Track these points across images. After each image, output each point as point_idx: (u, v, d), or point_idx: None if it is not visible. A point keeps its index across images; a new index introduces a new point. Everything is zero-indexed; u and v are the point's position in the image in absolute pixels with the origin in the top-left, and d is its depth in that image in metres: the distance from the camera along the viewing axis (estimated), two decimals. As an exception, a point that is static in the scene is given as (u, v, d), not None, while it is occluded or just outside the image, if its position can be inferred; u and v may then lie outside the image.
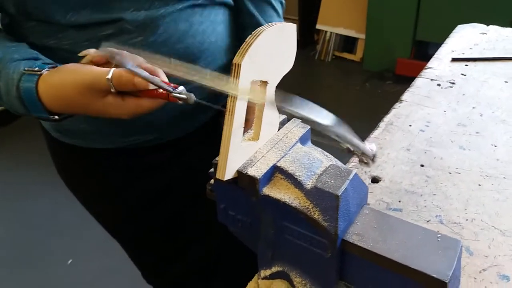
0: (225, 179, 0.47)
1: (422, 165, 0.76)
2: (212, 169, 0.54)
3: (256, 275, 0.60)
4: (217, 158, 0.50)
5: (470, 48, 1.13)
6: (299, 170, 0.49)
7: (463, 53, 1.11)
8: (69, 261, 1.87)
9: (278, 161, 0.50)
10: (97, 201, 0.86)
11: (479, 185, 0.71)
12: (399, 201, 0.69)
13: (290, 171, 0.49)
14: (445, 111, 0.90)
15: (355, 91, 2.98)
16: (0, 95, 0.61)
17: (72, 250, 1.92)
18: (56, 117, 0.60)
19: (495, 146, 0.79)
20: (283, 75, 0.52)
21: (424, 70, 1.06)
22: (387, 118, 0.89)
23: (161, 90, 0.55)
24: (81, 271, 1.83)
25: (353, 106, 2.78)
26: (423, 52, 3.00)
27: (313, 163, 0.51)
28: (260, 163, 0.49)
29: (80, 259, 1.88)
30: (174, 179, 0.83)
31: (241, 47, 0.44)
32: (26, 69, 0.58)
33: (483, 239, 0.62)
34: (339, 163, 0.54)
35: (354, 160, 0.78)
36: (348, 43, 3.29)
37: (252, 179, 0.48)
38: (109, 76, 0.54)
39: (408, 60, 2.86)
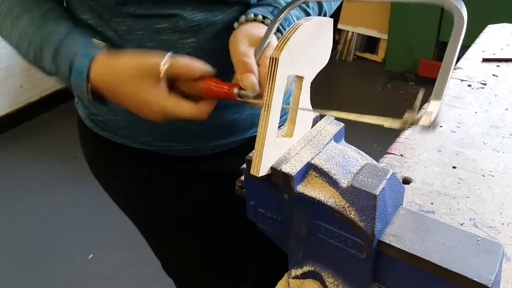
0: (259, 175, 0.46)
1: (454, 167, 0.74)
2: (244, 165, 0.53)
3: (286, 274, 0.59)
4: (250, 154, 0.50)
5: (502, 49, 1.10)
6: (334, 168, 0.48)
7: (494, 54, 1.08)
8: (90, 256, 1.89)
9: (312, 159, 0.49)
10: (124, 195, 0.86)
11: (514, 188, 0.69)
12: (431, 203, 0.68)
13: (325, 169, 0.48)
14: (476, 112, 0.88)
15: (376, 92, 2.95)
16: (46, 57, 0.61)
17: (93, 245, 1.94)
18: (90, 88, 0.60)
19: (530, 148, 0.77)
20: (319, 70, 0.51)
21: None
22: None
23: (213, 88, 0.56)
24: (102, 265, 1.85)
25: (375, 107, 2.74)
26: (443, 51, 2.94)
27: (348, 162, 0.50)
28: (294, 160, 0.48)
29: (100, 254, 1.90)
30: (209, 187, 0.83)
31: (279, 41, 0.43)
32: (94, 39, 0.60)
33: (520, 244, 0.60)
34: (374, 162, 0.53)
35: (386, 159, 0.76)
36: (369, 43, 3.26)
37: (286, 176, 0.47)
38: (164, 60, 0.55)
39: (431, 61, 2.81)
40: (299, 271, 0.55)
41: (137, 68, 0.57)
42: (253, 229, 0.63)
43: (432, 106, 0.39)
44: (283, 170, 0.47)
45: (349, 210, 0.46)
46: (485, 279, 0.42)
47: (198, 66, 0.58)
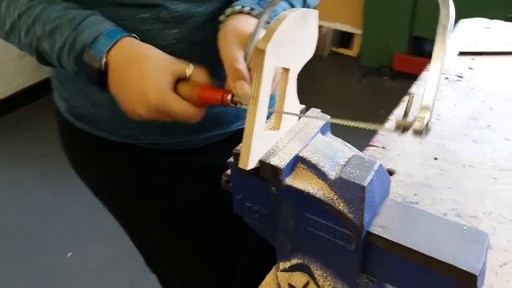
0: (248, 169, 0.45)
1: (436, 158, 0.75)
2: (231, 159, 0.52)
3: (274, 267, 0.58)
4: (238, 148, 0.49)
5: (475, 42, 1.12)
6: (322, 160, 0.48)
7: (468, 47, 1.10)
8: (69, 254, 1.85)
9: (300, 151, 0.48)
10: (106, 190, 0.84)
11: (494, 178, 0.71)
12: (415, 194, 0.68)
13: (313, 162, 0.48)
14: (455, 104, 0.89)
15: (352, 87, 2.97)
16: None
17: (72, 243, 1.90)
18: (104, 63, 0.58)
19: (507, 139, 0.78)
20: (305, 63, 0.50)
21: (430, 63, 1.05)
22: (396, 111, 0.88)
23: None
24: (81, 264, 1.81)
25: (351, 102, 2.77)
26: (420, 48, 3.00)
27: (335, 154, 0.50)
28: (282, 153, 0.48)
29: (79, 252, 1.86)
30: (194, 181, 0.82)
31: (265, 33, 0.43)
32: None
33: (502, 233, 0.61)
34: (361, 154, 0.53)
35: (368, 151, 0.77)
36: (344, 38, 3.28)
37: (275, 168, 0.46)
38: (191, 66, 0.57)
39: (405, 56, 2.85)
40: (287, 264, 0.55)
41: (166, 60, 0.58)
42: (240, 224, 0.62)
43: (424, 112, 0.39)
44: (272, 163, 0.46)
45: (338, 202, 0.46)
46: (473, 268, 0.43)
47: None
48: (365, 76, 3.01)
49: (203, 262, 0.85)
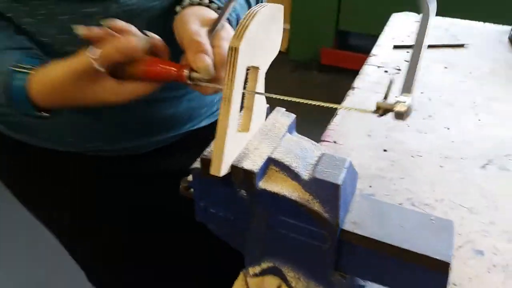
0: (221, 175, 0.43)
1: (385, 150, 0.78)
2: (195, 165, 0.50)
3: (241, 273, 0.57)
4: (206, 153, 0.47)
5: (408, 36, 1.18)
6: (295, 161, 0.47)
7: (403, 41, 1.15)
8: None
9: (272, 153, 0.47)
10: (42, 206, 0.77)
11: (441, 166, 0.74)
12: (370, 186, 0.70)
13: (286, 163, 0.46)
14: (396, 96, 0.92)
15: (283, 81, 3.01)
16: None
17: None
18: (45, 114, 0.53)
19: (448, 128, 0.83)
20: (271, 60, 0.49)
21: (369, 58, 1.08)
22: (344, 105, 0.90)
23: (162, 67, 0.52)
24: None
25: (283, 95, 2.80)
26: (345, 42, 3.11)
27: (305, 153, 0.49)
28: (254, 156, 0.46)
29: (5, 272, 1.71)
30: (145, 189, 0.77)
31: (236, 29, 0.41)
32: (16, 65, 0.52)
33: (454, 218, 0.64)
34: (328, 151, 0.52)
35: (322, 146, 0.77)
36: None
37: (248, 173, 0.45)
38: (91, 53, 0.49)
39: (332, 50, 2.94)
40: (257, 269, 0.54)
41: (72, 72, 0.51)
42: (200, 230, 0.60)
43: (405, 96, 0.40)
44: (245, 167, 0.45)
45: (313, 202, 0.46)
46: (445, 256, 0.44)
47: (132, 45, 0.51)
48: (295, 70, 3.07)
49: (162, 274, 0.81)
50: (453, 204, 0.67)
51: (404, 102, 0.39)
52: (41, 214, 0.80)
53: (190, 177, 0.55)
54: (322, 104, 0.44)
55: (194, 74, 0.50)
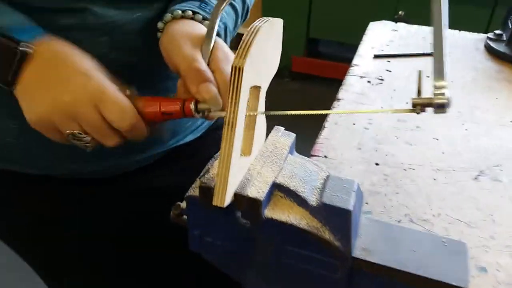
0: (225, 206, 0.39)
1: (377, 164, 0.75)
2: (191, 192, 0.46)
3: (242, 305, 0.53)
4: (205, 181, 0.43)
5: (387, 45, 1.17)
6: (300, 185, 0.44)
7: (382, 50, 1.14)
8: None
9: (276, 178, 0.44)
10: (15, 239, 0.70)
11: (434, 179, 0.73)
12: (366, 203, 0.67)
13: (291, 188, 0.43)
14: (382, 107, 0.91)
15: (255, 89, 3.00)
16: None
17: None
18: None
19: (437, 139, 0.82)
20: (271, 78, 0.46)
21: (350, 68, 1.07)
22: (330, 118, 0.87)
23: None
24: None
25: (255, 104, 2.78)
26: (315, 49, 3.12)
27: (310, 176, 0.46)
28: (257, 182, 0.43)
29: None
30: (128, 212, 0.72)
31: (239, 47, 0.37)
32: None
33: (454, 234, 0.63)
34: (330, 172, 0.50)
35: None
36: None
37: (253, 201, 0.41)
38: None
39: (303, 58, 2.94)
40: (260, 301, 0.50)
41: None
42: (190, 258, 0.56)
43: (440, 87, 0.37)
44: (250, 195, 0.41)
45: (323, 230, 0.43)
46: (462, 281, 0.42)
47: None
48: (266, 77, 3.05)
49: None
50: (451, 219, 0.65)
51: (443, 93, 0.36)
52: (20, 247, 0.74)
53: (182, 204, 0.51)
54: (352, 112, 0.41)
55: (201, 105, 0.47)
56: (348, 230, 0.42)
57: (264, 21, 0.40)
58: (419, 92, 0.39)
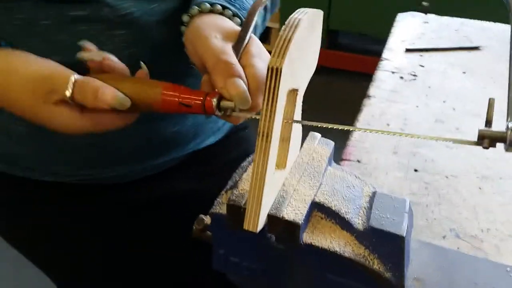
0: (258, 231, 0.33)
1: (416, 170, 0.69)
2: (217, 209, 0.40)
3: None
4: (234, 197, 0.36)
5: (419, 38, 1.09)
6: (343, 204, 0.37)
7: (414, 43, 1.06)
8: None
9: (315, 195, 0.37)
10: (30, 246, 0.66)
11: (480, 188, 0.65)
12: (405, 215, 0.61)
13: (333, 208, 0.37)
14: (417, 106, 0.84)
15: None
16: None
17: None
18: None
19: (480, 142, 0.74)
20: (310, 77, 0.39)
21: (380, 62, 0.99)
22: (361, 118, 0.80)
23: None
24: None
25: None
26: (335, 41, 3.03)
27: (353, 192, 0.39)
28: (294, 200, 0.36)
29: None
30: (143, 220, 0.66)
31: (276, 44, 0.31)
32: None
33: (506, 252, 0.56)
34: (374, 186, 0.43)
35: (344, 167, 0.68)
36: (262, 33, 3.21)
37: (290, 224, 0.35)
38: (73, 78, 0.40)
39: (323, 50, 2.85)
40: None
41: (37, 80, 0.42)
42: (209, 274, 0.50)
43: None
44: (286, 217, 0.35)
45: (371, 259, 0.36)
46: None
47: (111, 93, 0.42)
48: (284, 70, 2.97)
49: None
50: (502, 234, 0.58)
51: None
52: (35, 256, 0.69)
53: (206, 218, 0.45)
54: (394, 133, 0.35)
55: (225, 103, 0.40)
56: (401, 259, 0.36)
57: (303, 13, 0.33)
58: (488, 123, 0.32)
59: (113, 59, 0.45)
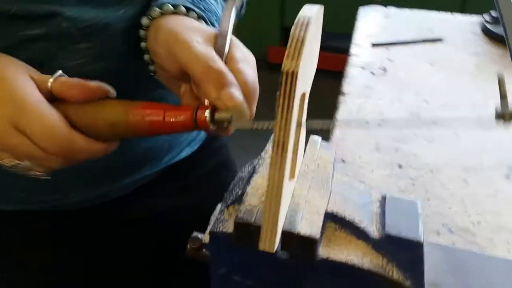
0: (275, 250, 0.30)
1: (400, 166, 0.68)
2: (218, 228, 0.36)
3: None
4: (242, 215, 0.33)
5: (383, 32, 1.09)
6: (356, 212, 0.35)
7: (379, 37, 1.07)
8: None
9: (328, 205, 0.35)
10: None
11: (465, 180, 0.66)
12: (396, 213, 0.60)
13: (347, 218, 0.35)
14: (391, 100, 0.84)
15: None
16: None
17: None
18: None
19: (457, 135, 0.75)
20: (312, 80, 0.37)
21: (349, 58, 0.99)
22: (339, 116, 0.79)
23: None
24: None
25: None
26: (286, 37, 3.03)
27: (363, 199, 0.37)
28: (307, 213, 0.34)
29: None
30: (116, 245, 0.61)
31: (289, 46, 0.28)
32: None
33: (500, 243, 0.56)
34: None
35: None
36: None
37: (307, 240, 0.32)
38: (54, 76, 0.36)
39: (279, 48, 2.85)
40: None
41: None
42: None
43: None
44: (302, 232, 0.32)
45: (389, 268, 0.34)
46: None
47: (97, 86, 0.39)
48: (241, 70, 2.95)
49: None
50: (492, 226, 0.58)
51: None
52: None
53: (201, 236, 0.42)
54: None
55: (221, 115, 0.36)
56: (420, 266, 0.34)
57: (312, 10, 0.31)
58: (502, 97, 0.31)
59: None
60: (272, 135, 0.29)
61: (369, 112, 0.80)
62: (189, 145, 0.67)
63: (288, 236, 0.32)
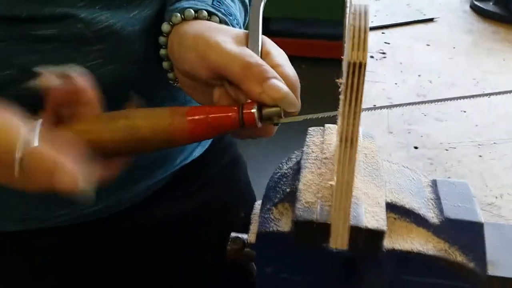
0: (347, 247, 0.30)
1: (416, 147, 0.68)
2: (262, 228, 0.36)
3: None
4: (300, 212, 0.33)
5: (375, 16, 1.10)
6: (414, 200, 0.35)
7: (372, 21, 1.07)
8: None
9: (386, 196, 0.35)
10: None
11: (480, 156, 0.67)
12: (421, 195, 0.60)
13: (407, 206, 0.35)
14: (396, 83, 0.84)
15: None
16: None
17: None
18: None
19: (465, 111, 0.76)
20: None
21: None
22: (347, 102, 0.79)
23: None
24: None
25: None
26: (266, 29, 3.02)
27: (417, 185, 0.37)
28: (368, 206, 0.33)
29: None
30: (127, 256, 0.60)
31: (352, 36, 0.28)
32: None
33: (525, 216, 0.57)
34: (423, 174, 0.41)
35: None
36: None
37: (374, 233, 0.32)
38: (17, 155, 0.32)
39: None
40: None
41: None
42: None
43: None
44: (369, 226, 0.32)
45: (452, 252, 0.34)
46: None
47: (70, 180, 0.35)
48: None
49: None
50: (515, 198, 0.60)
51: None
52: None
53: (243, 236, 0.41)
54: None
55: (269, 110, 0.36)
56: (483, 247, 0.34)
57: (362, -1, 0.30)
58: None
59: (78, 80, 0.37)
60: (337, 130, 0.28)
61: (376, 96, 0.80)
62: (200, 145, 0.66)
63: (358, 231, 0.32)
